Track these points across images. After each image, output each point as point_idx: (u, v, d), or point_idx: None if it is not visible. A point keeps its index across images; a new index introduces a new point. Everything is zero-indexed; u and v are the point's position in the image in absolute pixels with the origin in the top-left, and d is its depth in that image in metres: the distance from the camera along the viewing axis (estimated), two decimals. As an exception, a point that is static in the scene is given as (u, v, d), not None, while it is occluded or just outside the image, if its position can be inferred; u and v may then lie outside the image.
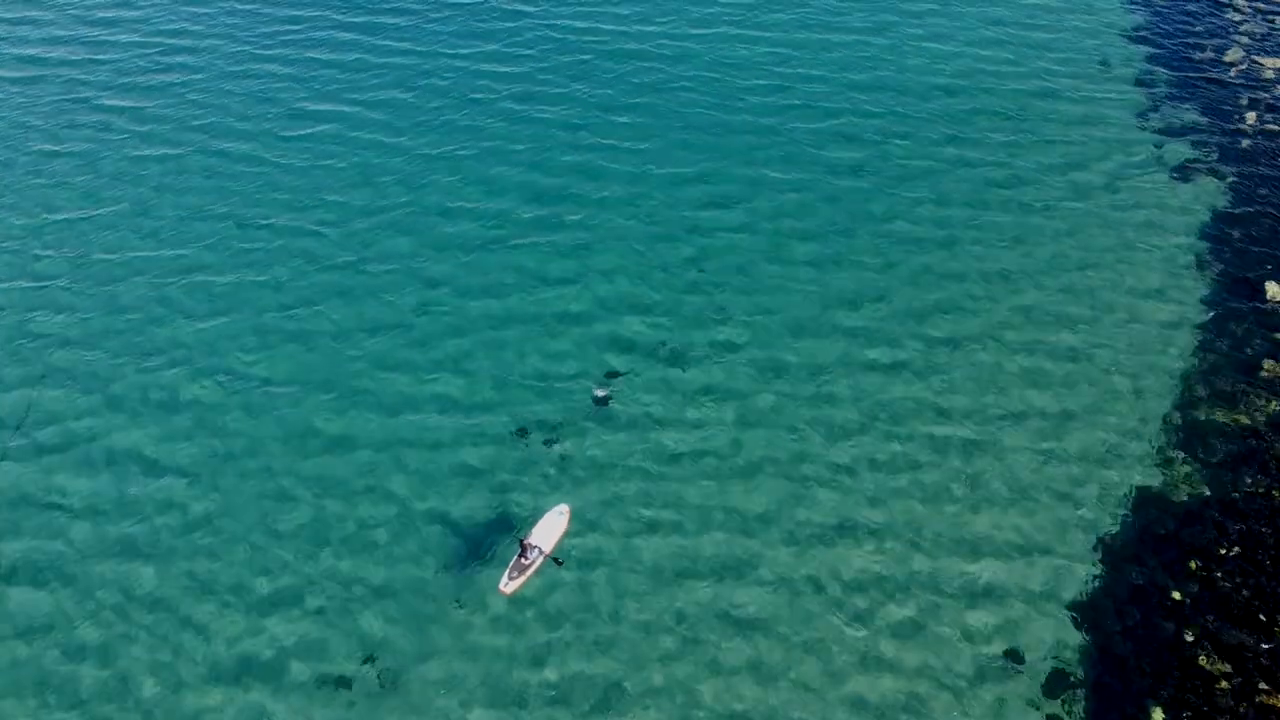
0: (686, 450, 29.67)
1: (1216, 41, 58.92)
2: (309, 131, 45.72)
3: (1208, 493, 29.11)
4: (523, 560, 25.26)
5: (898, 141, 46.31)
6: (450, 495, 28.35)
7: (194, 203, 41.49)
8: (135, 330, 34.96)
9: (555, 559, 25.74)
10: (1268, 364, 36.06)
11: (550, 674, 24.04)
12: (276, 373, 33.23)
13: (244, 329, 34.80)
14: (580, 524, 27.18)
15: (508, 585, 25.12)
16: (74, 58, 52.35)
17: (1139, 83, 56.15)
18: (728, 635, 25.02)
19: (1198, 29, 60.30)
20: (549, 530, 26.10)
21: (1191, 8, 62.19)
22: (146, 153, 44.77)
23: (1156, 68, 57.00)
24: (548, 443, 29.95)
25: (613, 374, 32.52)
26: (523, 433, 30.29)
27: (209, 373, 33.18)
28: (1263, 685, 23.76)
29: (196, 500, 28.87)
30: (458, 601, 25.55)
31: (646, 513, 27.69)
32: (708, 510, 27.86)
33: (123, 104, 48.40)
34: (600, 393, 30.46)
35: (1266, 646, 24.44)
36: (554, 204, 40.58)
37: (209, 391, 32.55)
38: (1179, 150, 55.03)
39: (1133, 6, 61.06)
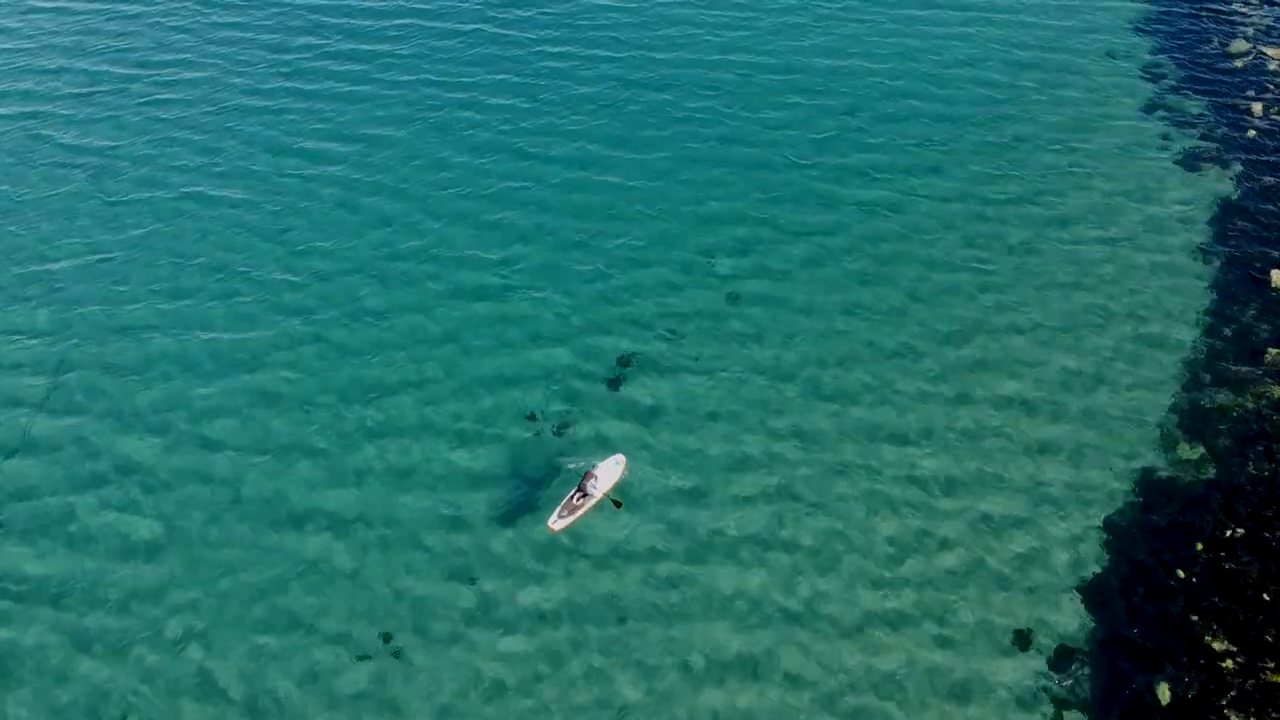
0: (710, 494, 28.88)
1: (1222, 33, 59.01)
2: (302, 171, 43.38)
3: (1214, 476, 29.34)
4: (574, 501, 25.69)
5: (903, 138, 46.54)
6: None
7: (172, 249, 39.09)
8: (118, 385, 32.97)
9: (614, 500, 26.24)
10: (1272, 351, 36.25)
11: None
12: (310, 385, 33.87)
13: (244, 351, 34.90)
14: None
15: (557, 522, 25.77)
16: (47, 93, 49.66)
17: (1145, 74, 56.29)
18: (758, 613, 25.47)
19: (1203, 20, 60.38)
20: (605, 477, 26.90)
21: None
22: (125, 197, 41.96)
23: (1162, 59, 57.12)
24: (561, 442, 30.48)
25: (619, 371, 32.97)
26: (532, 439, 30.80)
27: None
28: (1269, 664, 24.01)
29: (229, 476, 29.43)
30: (508, 534, 26.78)
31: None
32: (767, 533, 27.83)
33: (99, 143, 45.59)
34: None
35: (1271, 626, 24.68)
36: (562, 244, 38.96)
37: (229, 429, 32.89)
38: (1185, 141, 55.11)
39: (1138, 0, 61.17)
